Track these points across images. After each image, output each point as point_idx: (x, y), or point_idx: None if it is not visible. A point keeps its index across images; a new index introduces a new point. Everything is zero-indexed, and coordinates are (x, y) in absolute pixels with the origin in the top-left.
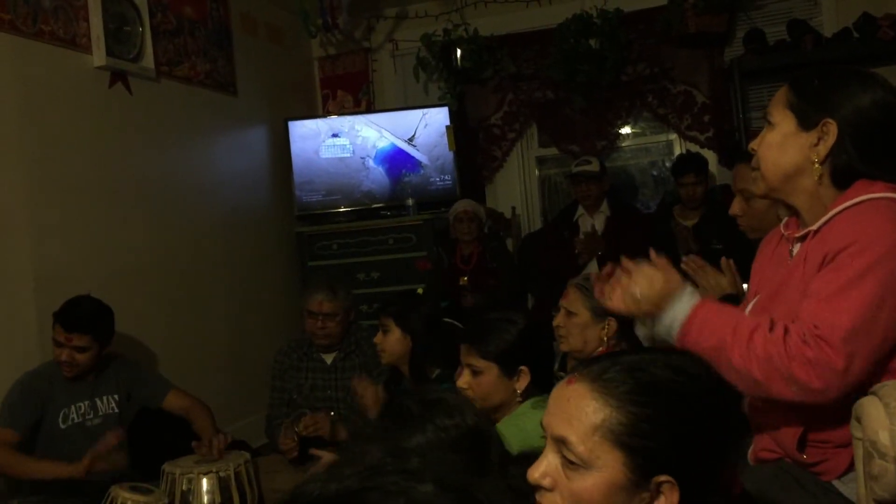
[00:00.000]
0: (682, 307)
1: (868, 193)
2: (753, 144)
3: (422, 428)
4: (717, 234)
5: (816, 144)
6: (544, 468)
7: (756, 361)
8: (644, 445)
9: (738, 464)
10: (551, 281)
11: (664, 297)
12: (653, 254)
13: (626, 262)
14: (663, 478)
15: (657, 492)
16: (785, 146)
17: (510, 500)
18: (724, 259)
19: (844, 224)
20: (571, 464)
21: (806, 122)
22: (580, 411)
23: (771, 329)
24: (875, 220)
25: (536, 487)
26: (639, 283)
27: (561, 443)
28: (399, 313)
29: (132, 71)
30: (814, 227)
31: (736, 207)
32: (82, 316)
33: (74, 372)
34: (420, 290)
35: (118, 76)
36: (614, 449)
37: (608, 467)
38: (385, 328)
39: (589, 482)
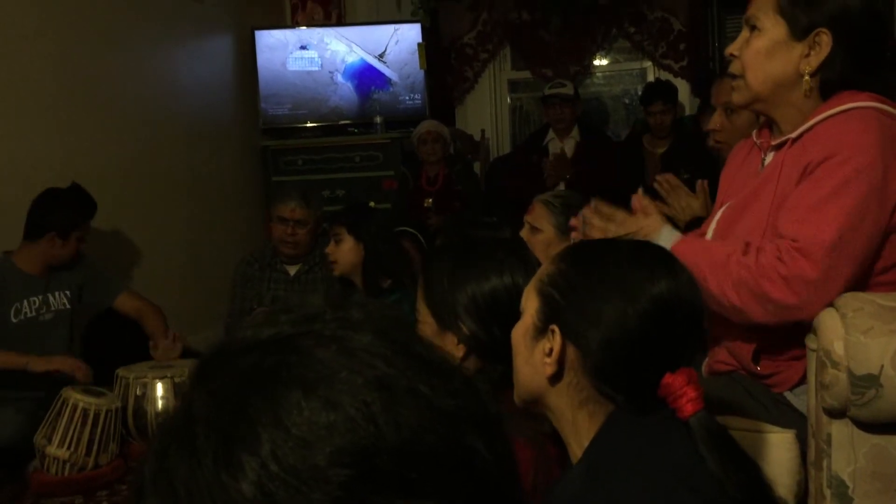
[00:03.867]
0: None
1: (854, 102)
2: (733, 49)
3: None
4: (685, 164)
5: (808, 55)
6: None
7: (732, 287)
8: (551, 294)
9: (693, 381)
10: (518, 205)
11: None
12: (635, 199)
13: (599, 203)
14: (554, 325)
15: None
16: (773, 55)
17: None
18: (699, 182)
19: (828, 133)
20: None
21: (798, 30)
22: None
23: (745, 253)
24: (860, 129)
25: None
26: (616, 232)
27: None
28: (352, 222)
29: None
30: (793, 135)
31: (716, 121)
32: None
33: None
34: (372, 204)
35: None
36: (537, 296)
37: (528, 313)
38: (337, 237)
39: (517, 327)
